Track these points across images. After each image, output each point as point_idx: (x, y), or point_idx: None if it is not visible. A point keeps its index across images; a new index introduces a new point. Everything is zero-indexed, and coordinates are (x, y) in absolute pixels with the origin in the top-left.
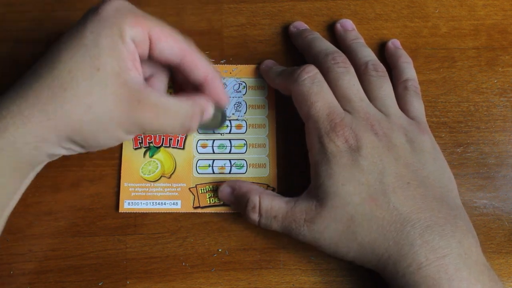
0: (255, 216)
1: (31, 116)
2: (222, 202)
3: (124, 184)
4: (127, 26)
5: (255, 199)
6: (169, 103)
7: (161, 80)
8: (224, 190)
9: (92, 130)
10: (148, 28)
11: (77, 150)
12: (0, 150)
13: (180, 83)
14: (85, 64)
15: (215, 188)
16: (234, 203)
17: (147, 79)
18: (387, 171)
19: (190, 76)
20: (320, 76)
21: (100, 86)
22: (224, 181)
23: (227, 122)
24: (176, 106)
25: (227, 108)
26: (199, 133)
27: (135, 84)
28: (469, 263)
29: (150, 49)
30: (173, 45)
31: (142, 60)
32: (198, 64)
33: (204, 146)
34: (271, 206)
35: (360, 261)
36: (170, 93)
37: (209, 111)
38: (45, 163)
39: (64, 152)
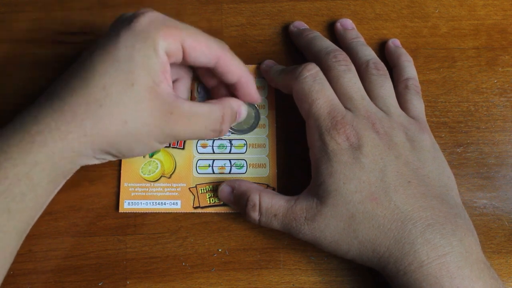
0: (255, 215)
1: (68, 133)
2: (222, 202)
3: (124, 184)
4: (161, 39)
5: (255, 198)
6: (200, 110)
7: (185, 84)
8: (224, 189)
9: (127, 143)
10: (181, 39)
11: (109, 158)
12: (39, 164)
13: (210, 84)
14: (120, 79)
15: (215, 188)
16: (234, 202)
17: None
18: (388, 169)
19: (224, 79)
20: (321, 74)
21: (135, 101)
22: (224, 181)
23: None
24: (207, 111)
25: (258, 108)
26: (232, 133)
27: (167, 96)
28: (470, 261)
29: (184, 57)
30: (207, 52)
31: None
32: (232, 67)
33: (204, 146)
34: (271, 204)
35: (361, 259)
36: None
37: (242, 112)
38: (75, 171)
39: (96, 162)
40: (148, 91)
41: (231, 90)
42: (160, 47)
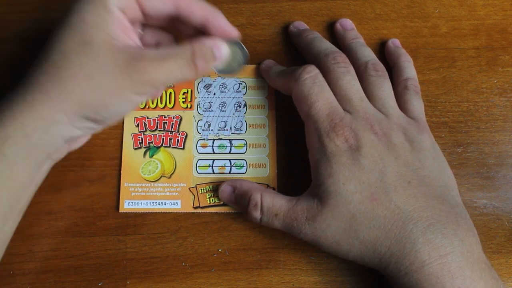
0: (256, 214)
1: (34, 100)
2: (222, 202)
3: (124, 184)
4: None
5: (256, 197)
6: (168, 52)
7: (154, 39)
8: (225, 189)
9: (99, 99)
10: None
11: (92, 126)
12: (10, 137)
13: (187, 32)
14: (75, 42)
15: (215, 188)
16: (235, 202)
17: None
18: (388, 170)
19: (191, 22)
20: (320, 76)
21: (94, 58)
22: (224, 181)
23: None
24: (175, 51)
25: (242, 44)
26: (219, 73)
27: (129, 48)
28: (471, 261)
29: (142, 10)
30: None
31: (135, 24)
32: (194, 7)
33: (204, 146)
34: (272, 204)
35: (362, 260)
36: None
37: (222, 48)
38: (64, 150)
39: (79, 132)
40: (106, 46)
41: (207, 34)
42: (110, 3)
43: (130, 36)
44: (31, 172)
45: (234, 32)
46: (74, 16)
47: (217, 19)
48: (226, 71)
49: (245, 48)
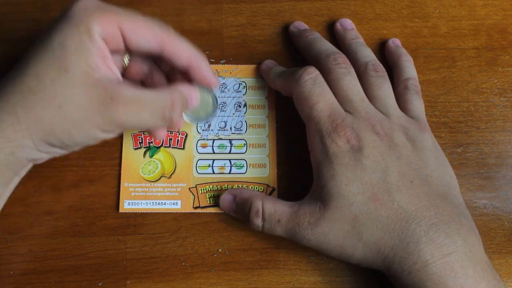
0: (258, 221)
1: (2, 121)
2: None
3: (124, 184)
4: (94, 23)
5: (258, 204)
6: (145, 95)
7: (139, 71)
8: (225, 198)
9: (65, 130)
10: (117, 22)
11: (57, 151)
12: None
13: (165, 69)
14: (53, 67)
15: (215, 188)
16: (236, 211)
17: (147, 76)
18: (390, 170)
19: (174, 64)
20: (321, 77)
21: (69, 87)
22: (224, 181)
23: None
24: (152, 97)
25: (216, 94)
26: (190, 123)
27: (107, 81)
28: (474, 261)
29: (125, 42)
30: (148, 35)
31: (119, 52)
32: (179, 50)
33: (204, 146)
34: (274, 209)
35: (366, 262)
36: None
37: (194, 97)
38: (29, 166)
39: (44, 156)
40: (83, 76)
41: (185, 76)
42: (94, 32)
43: (109, 66)
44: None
45: (214, 82)
46: (56, 39)
47: (201, 67)
48: (192, 119)
49: (216, 98)
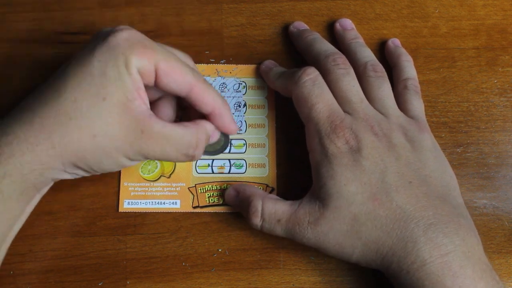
0: (257, 221)
1: (37, 144)
2: (221, 202)
3: (123, 183)
4: (134, 56)
5: (257, 203)
6: (173, 133)
7: (169, 102)
8: (230, 193)
9: (96, 158)
10: (154, 61)
11: (81, 174)
12: (8, 175)
13: (188, 107)
14: (91, 93)
15: (215, 187)
16: (238, 206)
17: (154, 103)
18: (389, 170)
19: (197, 108)
20: (320, 78)
21: (105, 116)
22: (223, 181)
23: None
24: (180, 135)
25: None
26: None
27: (139, 114)
28: (472, 261)
29: (156, 81)
30: (179, 80)
31: (148, 88)
32: (206, 98)
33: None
34: (274, 209)
35: (365, 261)
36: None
37: (214, 137)
38: (50, 185)
39: (68, 176)
40: (119, 107)
41: (206, 117)
42: (132, 65)
43: (142, 98)
44: (24, 206)
45: (234, 131)
46: (96, 65)
47: (224, 116)
48: (206, 153)
49: (229, 139)
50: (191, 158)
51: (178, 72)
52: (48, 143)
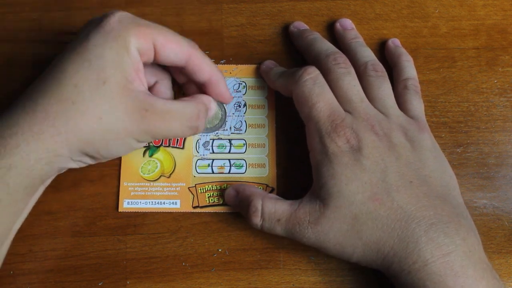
0: (257, 220)
1: (41, 132)
2: (221, 202)
3: (123, 183)
4: (132, 37)
5: (257, 203)
6: (175, 107)
7: (165, 85)
8: (229, 193)
9: (103, 140)
10: (152, 37)
11: (87, 161)
12: (14, 167)
13: (181, 80)
14: (91, 77)
15: (215, 187)
16: (238, 206)
17: (151, 88)
18: (389, 170)
19: (195, 78)
20: (321, 77)
21: (108, 98)
22: (223, 181)
23: (228, 123)
24: (182, 108)
25: (224, 106)
26: (202, 135)
27: (140, 94)
28: (473, 260)
29: (155, 56)
30: (178, 50)
31: (146, 68)
32: (203, 66)
33: (204, 146)
34: (274, 209)
35: (365, 261)
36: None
37: (212, 108)
38: (54, 176)
39: (74, 165)
40: (120, 88)
41: (202, 88)
42: (131, 45)
43: (141, 79)
44: (28, 198)
45: (229, 99)
46: (93, 49)
47: (220, 83)
48: (207, 130)
49: (226, 113)
50: (195, 130)
51: (175, 42)
52: (53, 130)
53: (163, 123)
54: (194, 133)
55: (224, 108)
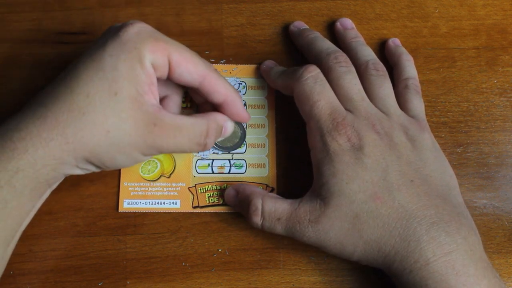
0: (257, 219)
1: (50, 139)
2: (221, 202)
3: (123, 183)
4: (147, 51)
5: (257, 202)
6: (184, 123)
7: (175, 101)
8: (229, 193)
9: (109, 153)
10: (167, 53)
11: (92, 169)
12: (21, 171)
13: (198, 100)
14: (103, 88)
15: (214, 187)
16: (238, 206)
17: (160, 100)
18: (390, 169)
19: (210, 99)
20: (322, 76)
21: (118, 110)
22: (223, 181)
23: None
24: (191, 125)
25: (243, 126)
26: (217, 151)
27: (151, 108)
28: (474, 259)
29: (169, 72)
30: (192, 70)
31: (158, 82)
32: (217, 87)
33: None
34: (274, 208)
35: (366, 260)
36: (184, 108)
37: (228, 128)
38: (61, 180)
39: (79, 172)
40: (131, 101)
41: (218, 109)
42: (146, 59)
43: (153, 93)
44: (35, 201)
45: (247, 119)
46: (108, 59)
47: (236, 104)
48: (218, 147)
49: (245, 132)
50: (204, 147)
51: (191, 62)
52: (61, 139)
53: (171, 138)
54: (203, 150)
55: (243, 126)
